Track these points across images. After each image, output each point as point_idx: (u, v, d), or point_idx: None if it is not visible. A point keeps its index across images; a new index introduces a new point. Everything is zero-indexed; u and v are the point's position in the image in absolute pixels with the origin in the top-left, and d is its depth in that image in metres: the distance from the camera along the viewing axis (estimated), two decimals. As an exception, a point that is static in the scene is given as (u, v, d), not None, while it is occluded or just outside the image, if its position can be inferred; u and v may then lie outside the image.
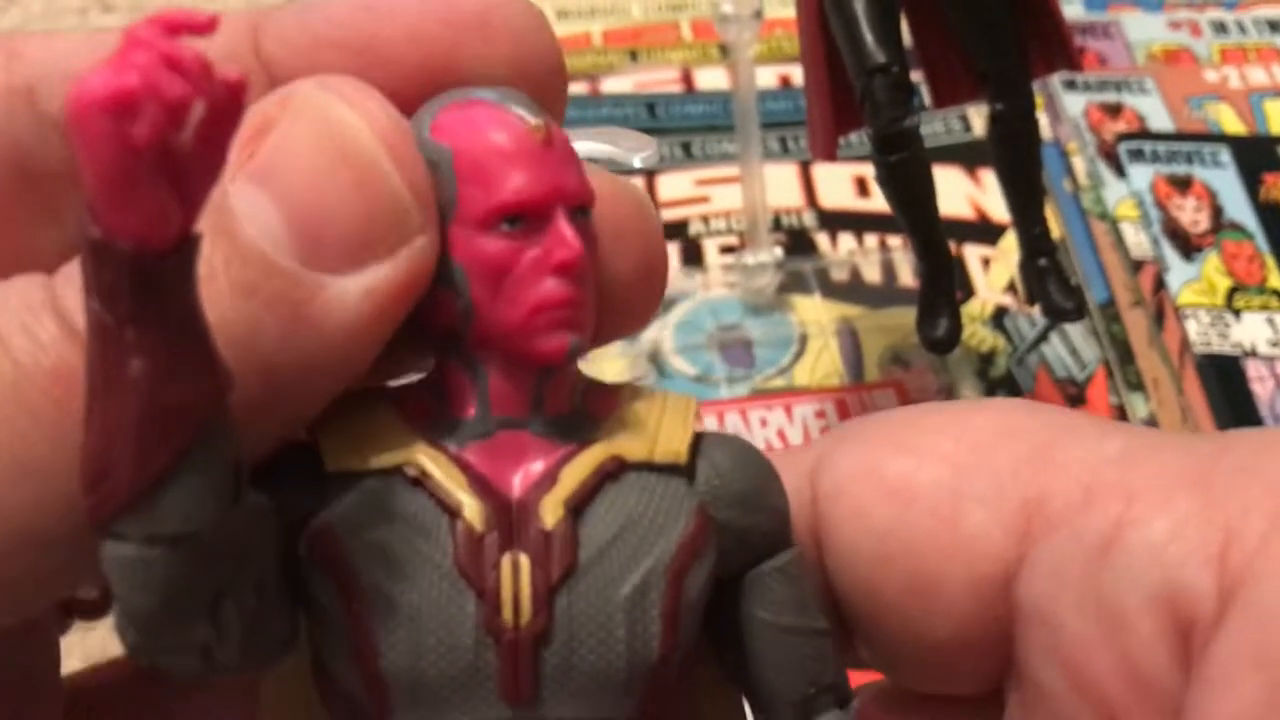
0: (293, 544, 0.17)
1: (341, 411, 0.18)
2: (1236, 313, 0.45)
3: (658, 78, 0.58)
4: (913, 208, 0.37)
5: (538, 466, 0.18)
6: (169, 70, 0.13)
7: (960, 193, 0.51)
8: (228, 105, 0.14)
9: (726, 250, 0.50)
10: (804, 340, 0.46)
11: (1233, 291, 0.46)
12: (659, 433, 0.19)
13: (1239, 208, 0.48)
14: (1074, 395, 0.44)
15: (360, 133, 0.17)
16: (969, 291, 0.47)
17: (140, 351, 0.14)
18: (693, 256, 0.49)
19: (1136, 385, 0.43)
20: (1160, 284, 0.46)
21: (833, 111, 0.37)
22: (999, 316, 0.47)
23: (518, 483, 0.18)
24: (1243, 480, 0.17)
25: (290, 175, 0.17)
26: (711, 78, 0.58)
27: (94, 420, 0.15)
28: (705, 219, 0.51)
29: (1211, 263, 0.47)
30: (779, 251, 0.47)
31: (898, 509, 0.19)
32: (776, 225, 0.50)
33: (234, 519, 0.16)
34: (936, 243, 0.38)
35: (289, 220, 0.17)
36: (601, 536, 0.18)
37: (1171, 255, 0.47)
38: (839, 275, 0.48)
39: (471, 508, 0.17)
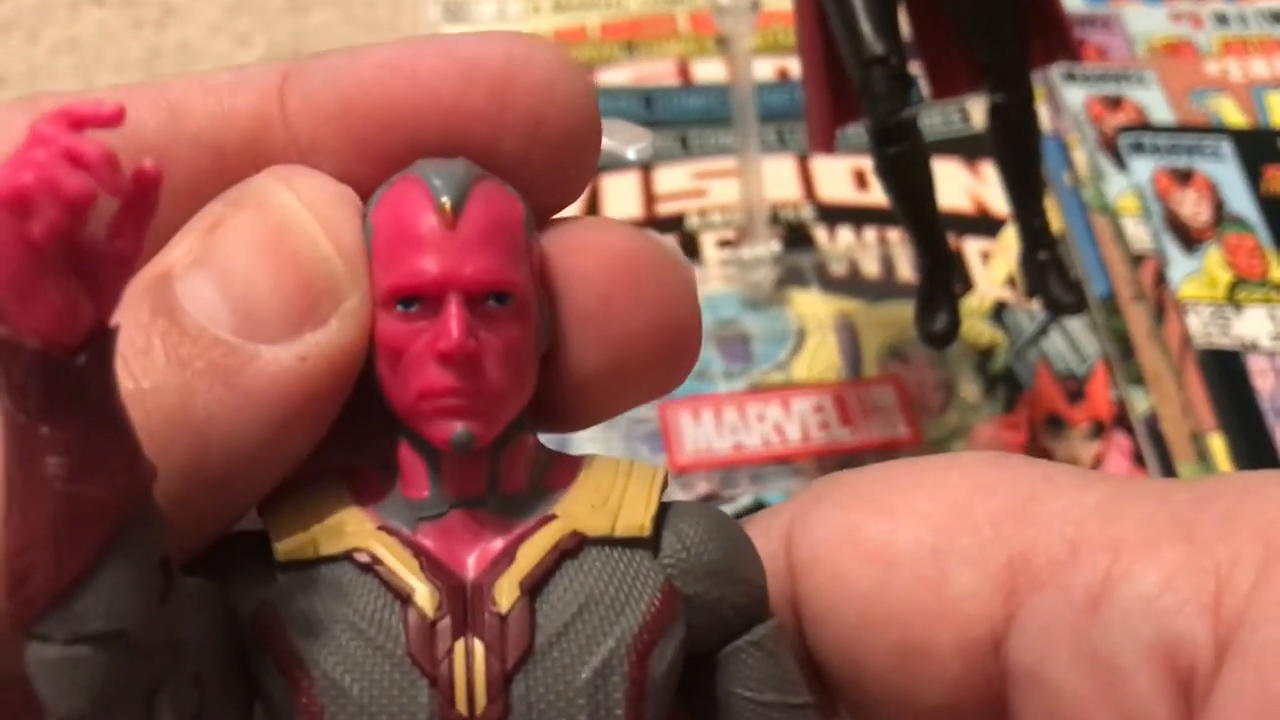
0: (244, 641, 0.17)
1: (291, 494, 0.18)
2: (1238, 307, 0.45)
3: (655, 70, 0.58)
4: (911, 200, 0.37)
5: (494, 545, 0.17)
6: (70, 166, 0.13)
7: (960, 186, 0.51)
8: (139, 198, 0.14)
9: (724, 244, 0.49)
10: (802, 335, 0.45)
11: (1234, 285, 0.45)
12: (621, 505, 0.18)
13: (1241, 201, 0.48)
14: (1074, 390, 0.43)
15: (295, 209, 0.18)
16: (968, 285, 0.47)
17: (54, 449, 0.14)
18: (690, 250, 0.49)
19: (1137, 380, 0.43)
20: (1161, 278, 0.46)
21: (831, 103, 0.37)
22: (998, 311, 0.46)
23: (473, 563, 0.17)
24: (1228, 528, 0.17)
25: (229, 255, 0.18)
26: (709, 70, 0.57)
27: (12, 521, 0.14)
28: (702, 212, 0.51)
29: (1213, 256, 0.46)
30: (776, 245, 0.46)
31: (879, 573, 0.19)
32: (774, 219, 0.49)
33: (166, 613, 0.15)
34: (935, 236, 0.38)
35: (225, 295, 0.17)
36: (560, 617, 0.17)
37: (1172, 249, 0.47)
38: (837, 269, 0.48)
39: (423, 593, 0.17)
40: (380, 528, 0.17)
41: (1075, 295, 0.37)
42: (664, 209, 0.51)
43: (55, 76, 0.60)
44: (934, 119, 0.54)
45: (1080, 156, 0.51)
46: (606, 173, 0.52)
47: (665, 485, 0.19)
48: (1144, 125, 0.51)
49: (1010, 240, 0.48)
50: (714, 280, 0.48)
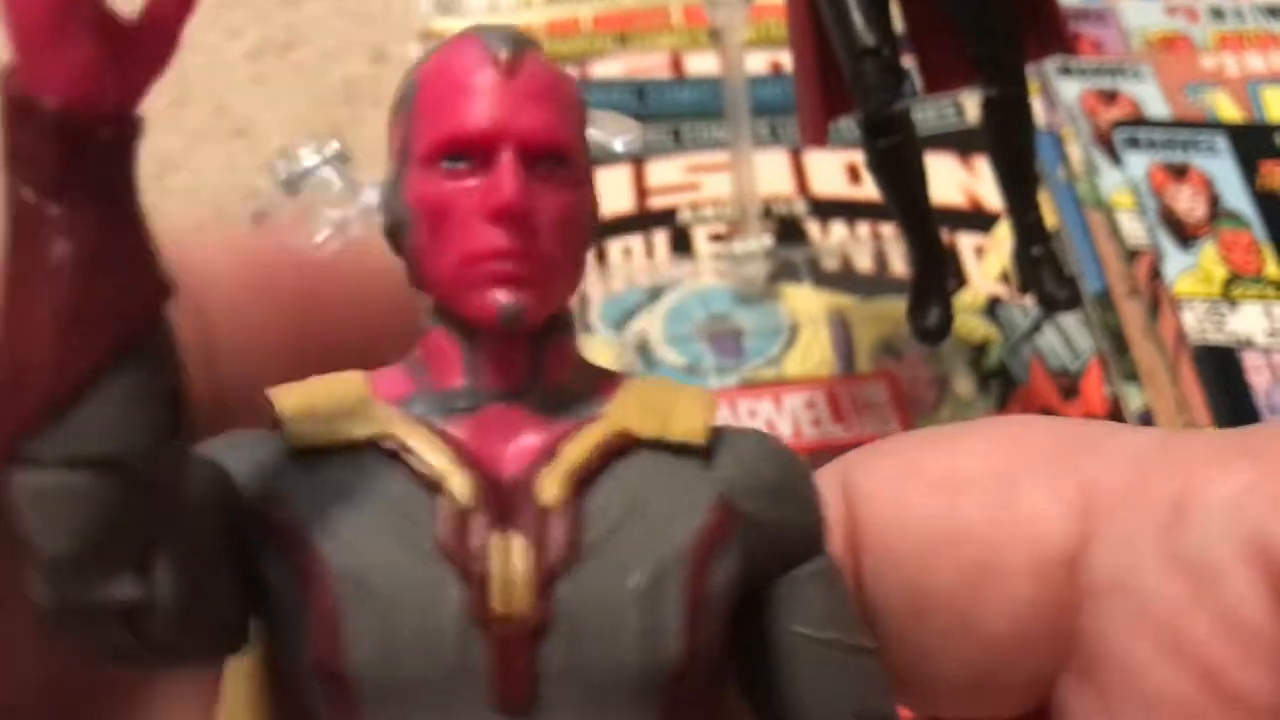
0: (247, 529, 0.15)
1: (304, 386, 0.16)
2: (1233, 303, 0.44)
3: (647, 63, 0.57)
4: (903, 194, 0.37)
5: (534, 442, 0.16)
6: None
7: (953, 180, 0.50)
8: None
9: (716, 238, 0.49)
10: (794, 330, 0.45)
11: (1230, 281, 0.45)
12: (673, 412, 0.16)
13: (1236, 196, 0.48)
14: (1068, 386, 0.43)
15: None
16: (962, 281, 0.47)
17: (65, 232, 0.12)
18: (682, 244, 0.49)
19: (1131, 376, 0.43)
20: (1156, 273, 0.46)
21: (823, 96, 0.37)
22: (992, 307, 0.46)
23: (511, 459, 0.16)
24: None
25: None
26: (701, 63, 0.57)
27: (7, 319, 0.13)
28: (695, 206, 0.50)
29: (1208, 252, 0.46)
30: (769, 240, 0.46)
31: (946, 498, 0.18)
32: (767, 213, 0.49)
33: (170, 459, 0.14)
34: (928, 230, 0.37)
35: None
36: (609, 518, 0.15)
37: (1167, 244, 0.46)
38: (830, 264, 0.48)
39: (457, 481, 0.15)
40: (408, 417, 0.16)
41: (1069, 291, 0.37)
42: (656, 203, 0.51)
43: (43, 68, 0.59)
44: (927, 113, 0.53)
45: (1075, 151, 0.50)
46: (597, 166, 0.52)
47: (717, 406, 0.17)
48: (1139, 120, 0.51)
49: (1004, 236, 0.48)
50: (706, 275, 0.47)
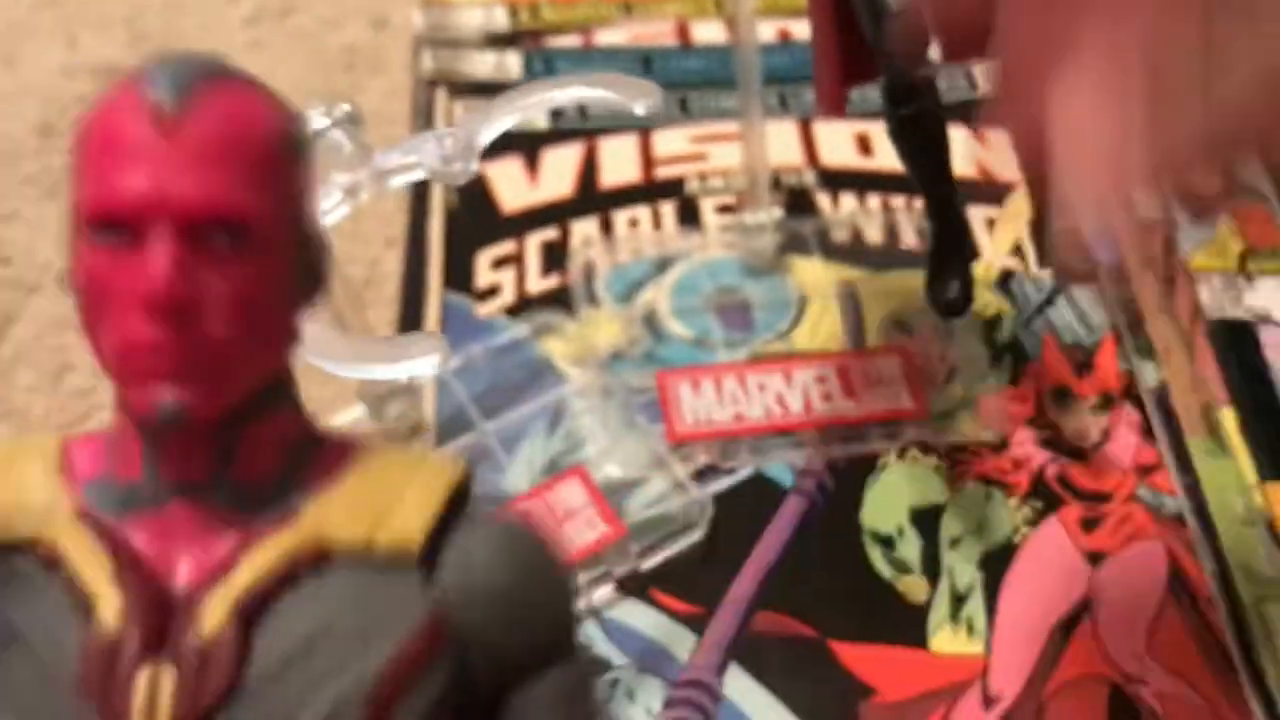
0: None
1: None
2: (1250, 277, 0.44)
3: (653, 31, 0.56)
4: (924, 164, 0.36)
5: (218, 549, 0.14)
6: None
7: (964, 152, 0.50)
8: None
9: (724, 210, 0.48)
10: (803, 303, 0.44)
11: (1246, 255, 0.44)
12: (391, 510, 0.14)
13: (1253, 169, 0.47)
14: (1081, 361, 0.42)
15: None
16: (974, 253, 0.46)
17: None
18: (689, 215, 0.48)
19: (1147, 351, 0.42)
20: (1171, 247, 0.45)
21: (841, 63, 0.36)
22: (1005, 280, 0.45)
23: (185, 570, 0.14)
24: None
25: None
26: (709, 31, 0.56)
27: None
28: (702, 177, 0.49)
29: (1224, 225, 0.45)
30: (778, 211, 0.45)
31: None
32: (776, 184, 0.48)
33: None
34: (949, 201, 0.37)
35: None
36: (282, 650, 0.14)
37: (1183, 217, 0.45)
38: (840, 236, 0.47)
39: (109, 601, 0.13)
40: (79, 512, 0.14)
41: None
42: (662, 173, 0.50)
43: (37, 32, 0.58)
44: (939, 84, 0.52)
45: (1089, 123, 0.49)
46: (602, 135, 0.51)
47: (464, 488, 0.15)
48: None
49: (1017, 209, 0.47)
50: (714, 246, 0.47)
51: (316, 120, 0.33)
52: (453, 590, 0.15)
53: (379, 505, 0.15)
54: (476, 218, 0.48)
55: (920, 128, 0.35)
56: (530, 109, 0.35)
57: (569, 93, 0.35)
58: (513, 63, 0.54)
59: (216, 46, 0.56)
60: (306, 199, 0.15)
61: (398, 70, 0.55)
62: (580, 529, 0.37)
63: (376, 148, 0.34)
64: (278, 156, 0.14)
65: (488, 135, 0.34)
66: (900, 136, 0.35)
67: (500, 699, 0.15)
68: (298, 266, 0.15)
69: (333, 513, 0.14)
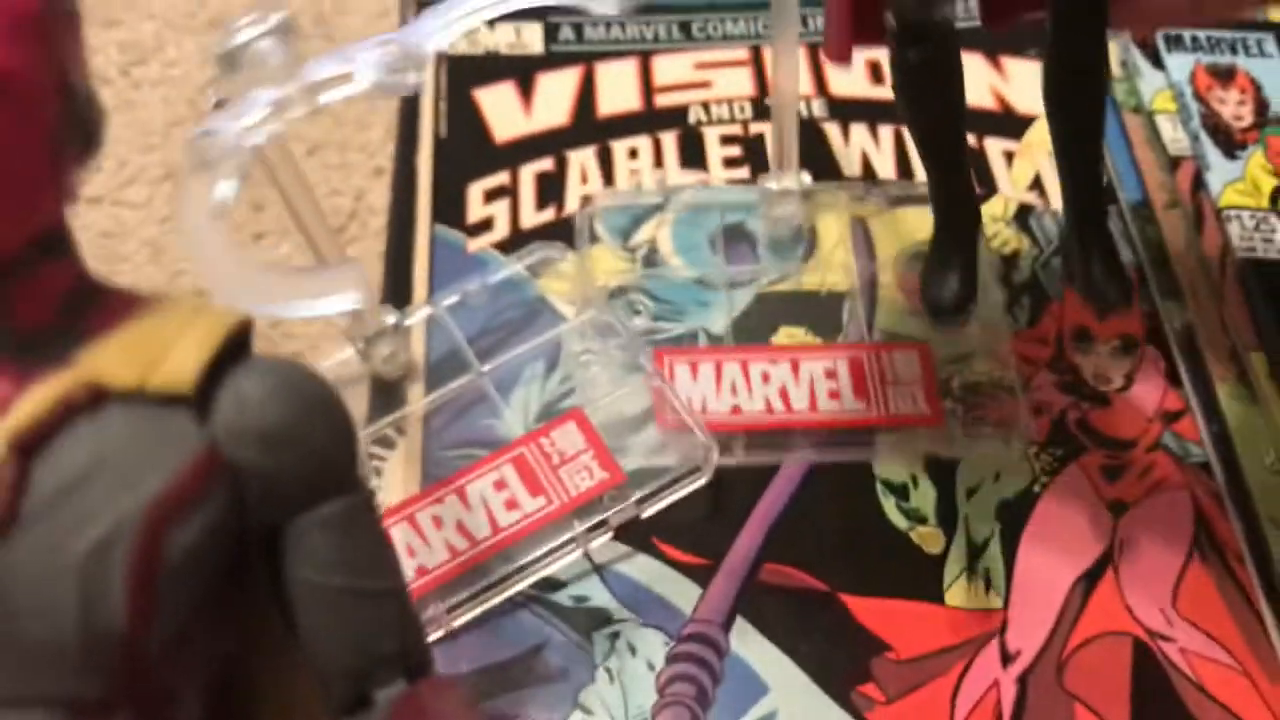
0: None
1: None
2: (1281, 215, 0.42)
3: (654, -50, 0.53)
4: (931, 123, 0.31)
5: None
6: None
7: (982, 81, 0.47)
8: None
9: (729, 140, 0.46)
10: (814, 239, 0.42)
11: (1278, 193, 0.42)
12: (166, 356, 0.16)
13: (1287, 103, 0.45)
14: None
15: None
16: (991, 188, 0.44)
17: None
18: (692, 146, 0.45)
19: (1173, 292, 0.40)
20: (1199, 183, 0.43)
21: (852, 11, 0.32)
22: (1023, 215, 0.43)
23: None
24: None
25: None
26: (713, -49, 0.53)
27: None
28: (706, 105, 0.47)
29: (1256, 160, 0.43)
30: (807, 177, 0.41)
31: None
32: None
33: None
34: (957, 172, 0.32)
35: None
36: (58, 482, 0.15)
37: (1212, 152, 0.43)
38: (851, 168, 0.45)
39: None
40: None
41: (1121, 288, 0.32)
42: (663, 101, 0.47)
43: None
44: (955, 7, 0.50)
45: (1113, 51, 0.47)
46: (600, 60, 0.48)
47: (243, 336, 0.16)
48: (1182, 18, 0.48)
49: (1036, 139, 0.45)
50: (719, 181, 0.44)
51: (245, 30, 0.30)
52: (227, 426, 0.16)
53: (154, 349, 0.16)
54: (468, 147, 0.45)
55: (931, 77, 0.30)
56: (484, 12, 0.32)
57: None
58: (506, -17, 0.51)
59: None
60: (73, 56, 0.15)
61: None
62: (578, 475, 0.35)
63: (312, 56, 0.31)
64: (36, 12, 0.15)
65: (436, 42, 0.31)
66: (905, 86, 0.30)
67: (281, 528, 0.16)
68: (63, 121, 0.15)
69: (108, 357, 0.15)
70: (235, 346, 0.16)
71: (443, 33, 0.31)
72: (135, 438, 0.15)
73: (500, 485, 0.35)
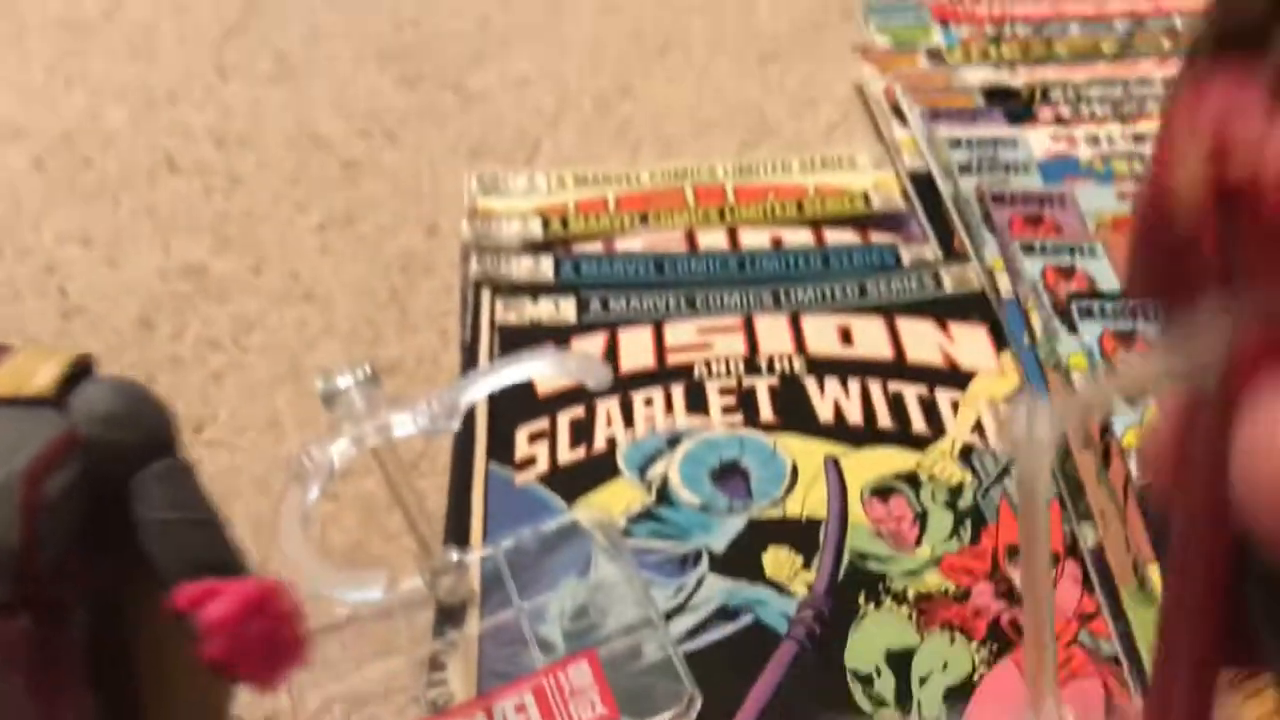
0: None
1: None
2: (1174, 453, 0.51)
3: (666, 238, 0.65)
4: None
5: None
6: None
7: (933, 343, 0.58)
8: None
9: (726, 391, 0.56)
10: (795, 474, 0.52)
11: (1170, 434, 0.52)
12: (33, 375, 0.24)
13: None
14: (1033, 525, 0.49)
15: None
16: (940, 430, 0.54)
17: None
18: (696, 395, 0.56)
19: (1086, 516, 0.49)
20: (1107, 427, 0.52)
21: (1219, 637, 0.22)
22: (966, 453, 0.53)
23: None
24: None
25: None
26: (712, 238, 0.65)
27: None
28: (708, 363, 0.58)
29: (1151, 409, 0.53)
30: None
31: None
32: (770, 368, 0.56)
33: None
34: None
35: None
36: None
37: (1116, 402, 0.53)
38: (825, 416, 0.55)
39: None
40: None
41: None
42: (673, 360, 0.58)
43: (137, 239, 0.68)
44: (909, 282, 0.61)
45: (1037, 319, 0.58)
46: (622, 327, 0.59)
47: (86, 365, 0.25)
48: (1093, 292, 0.59)
49: (977, 391, 0.55)
50: (718, 426, 0.54)
51: (340, 380, 0.41)
52: (81, 414, 0.24)
53: (24, 373, 0.24)
54: (516, 398, 0.56)
55: None
56: (502, 380, 0.43)
57: (534, 367, 0.44)
58: (546, 266, 0.63)
59: (291, 249, 0.66)
60: None
61: (447, 271, 0.64)
62: (583, 709, 0.42)
63: (385, 404, 0.42)
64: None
65: (467, 399, 0.42)
66: None
67: (125, 484, 0.25)
68: None
69: None
70: (82, 369, 0.25)
71: (473, 393, 0.43)
72: (13, 426, 0.23)
73: (520, 709, 0.42)
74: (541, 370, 0.43)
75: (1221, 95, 0.16)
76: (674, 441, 0.53)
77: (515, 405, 0.55)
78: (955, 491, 0.51)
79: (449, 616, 0.47)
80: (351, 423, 0.41)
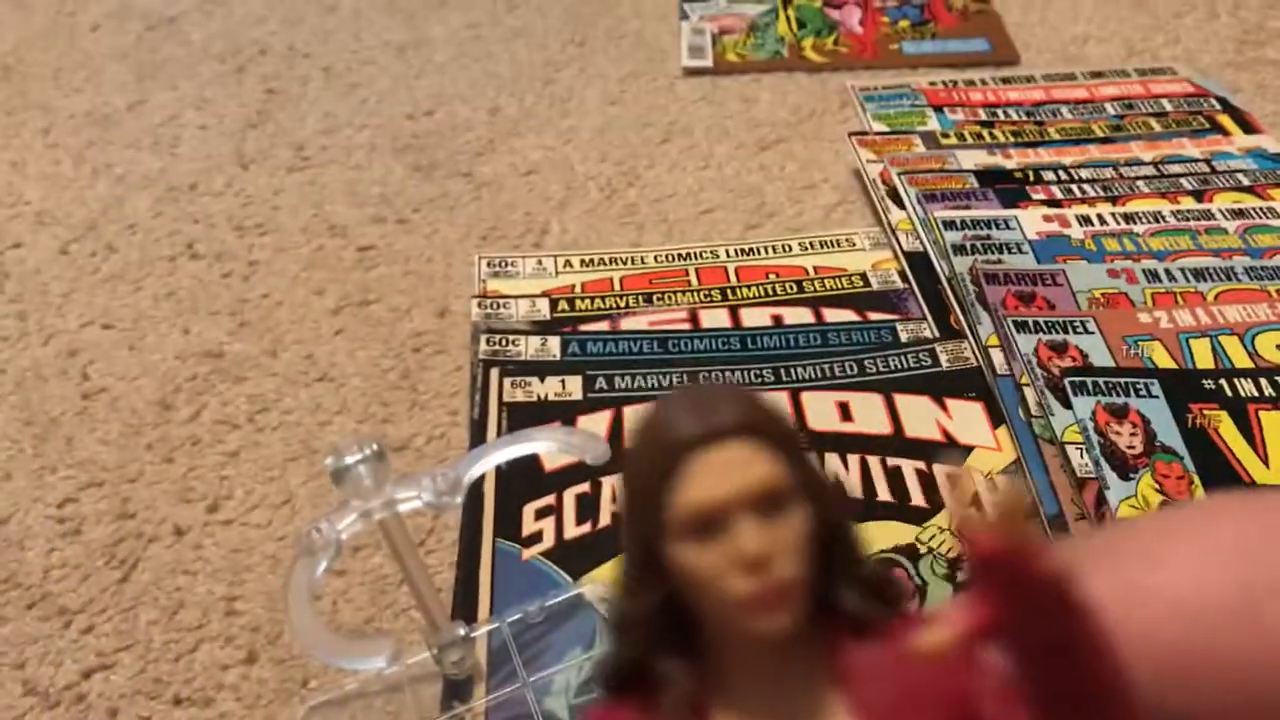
0: None
1: None
2: (1167, 524, 0.52)
3: (669, 316, 0.67)
4: None
5: None
6: None
7: (930, 417, 0.59)
8: None
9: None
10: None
11: (1163, 506, 0.53)
12: None
13: (1169, 433, 0.56)
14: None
15: None
16: (938, 504, 0.55)
17: None
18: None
19: (1082, 588, 0.50)
20: (1101, 499, 0.54)
21: None
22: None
23: None
24: None
25: None
26: (714, 317, 0.67)
27: None
28: (710, 441, 0.59)
29: (1145, 481, 0.54)
30: None
31: (1188, 625, 0.18)
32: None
33: None
34: None
35: None
36: None
37: (1110, 475, 0.54)
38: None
39: None
40: None
41: None
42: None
43: (158, 322, 0.70)
44: (906, 359, 0.63)
45: (1031, 395, 0.59)
46: (627, 404, 0.61)
47: None
48: (1086, 368, 0.60)
49: (973, 462, 0.56)
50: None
51: (349, 456, 0.43)
52: None
53: None
54: (523, 475, 0.57)
55: None
56: (504, 456, 0.45)
57: (536, 445, 0.45)
58: (553, 345, 0.65)
59: (307, 331, 0.68)
60: None
61: (458, 351, 0.66)
62: None
63: (390, 480, 0.44)
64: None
65: (470, 475, 0.44)
66: None
67: None
68: None
69: None
70: None
71: (476, 470, 0.44)
72: None
73: None
74: (542, 447, 0.45)
75: None
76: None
77: (522, 482, 0.57)
78: (953, 564, 0.52)
79: (456, 691, 0.48)
80: (359, 498, 0.42)
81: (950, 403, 0.60)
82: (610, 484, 0.57)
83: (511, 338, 0.65)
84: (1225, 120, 0.83)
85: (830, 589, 0.20)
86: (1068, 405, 0.58)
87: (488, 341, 0.65)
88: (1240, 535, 0.18)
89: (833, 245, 0.73)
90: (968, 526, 0.17)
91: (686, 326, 0.67)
